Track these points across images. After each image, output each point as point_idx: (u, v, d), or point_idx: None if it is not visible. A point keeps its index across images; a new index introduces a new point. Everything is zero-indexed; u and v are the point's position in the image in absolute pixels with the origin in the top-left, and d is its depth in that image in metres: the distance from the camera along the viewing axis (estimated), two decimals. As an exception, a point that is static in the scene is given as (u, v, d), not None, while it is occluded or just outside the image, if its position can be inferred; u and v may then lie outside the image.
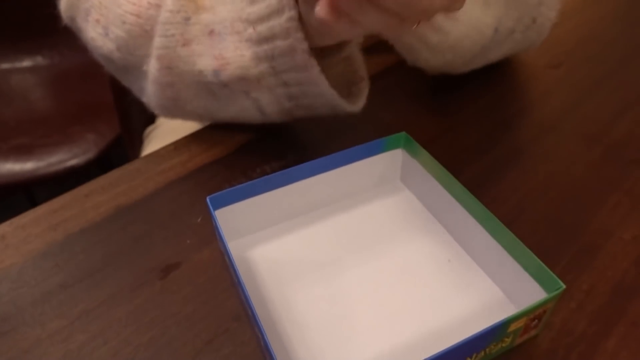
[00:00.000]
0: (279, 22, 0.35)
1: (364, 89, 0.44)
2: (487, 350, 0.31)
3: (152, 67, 0.43)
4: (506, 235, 0.34)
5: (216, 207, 0.36)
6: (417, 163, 0.41)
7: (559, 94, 0.56)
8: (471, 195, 0.36)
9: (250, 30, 0.37)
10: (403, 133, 0.41)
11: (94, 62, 0.51)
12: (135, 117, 0.96)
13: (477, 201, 0.36)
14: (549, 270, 0.31)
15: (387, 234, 0.40)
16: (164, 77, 0.43)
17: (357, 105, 0.44)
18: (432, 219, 0.41)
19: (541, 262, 0.31)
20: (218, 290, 0.37)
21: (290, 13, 0.35)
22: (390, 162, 0.42)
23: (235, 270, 0.32)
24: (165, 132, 0.84)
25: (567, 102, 0.55)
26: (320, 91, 0.40)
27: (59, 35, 0.79)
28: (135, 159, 0.48)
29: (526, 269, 0.33)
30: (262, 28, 0.36)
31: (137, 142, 0.91)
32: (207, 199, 0.36)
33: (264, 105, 0.43)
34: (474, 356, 0.30)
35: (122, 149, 1.06)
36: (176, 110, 0.47)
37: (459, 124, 0.52)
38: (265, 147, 0.49)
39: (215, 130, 0.51)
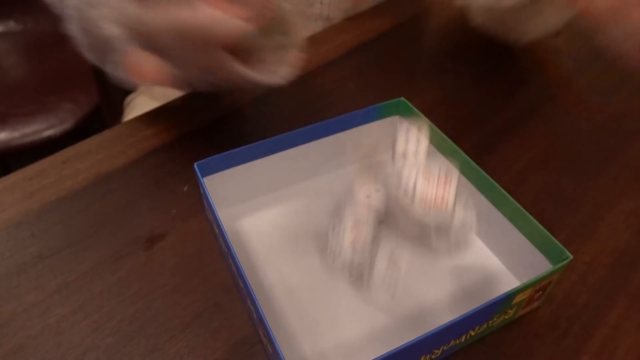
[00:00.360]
0: None
1: None
2: (490, 322, 0.30)
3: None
4: (510, 204, 0.32)
5: (204, 174, 0.34)
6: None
7: (557, 63, 0.54)
8: (473, 163, 0.34)
9: None
10: (401, 99, 0.39)
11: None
12: (114, 86, 0.92)
13: (479, 169, 0.34)
14: (555, 240, 0.29)
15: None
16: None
17: None
18: None
19: (547, 232, 0.30)
20: (206, 262, 0.35)
21: None
22: (386, 130, 0.40)
23: (225, 240, 0.30)
24: (147, 101, 0.80)
25: (566, 72, 0.53)
26: None
27: (32, -3, 0.74)
28: (115, 129, 0.45)
29: (530, 239, 0.31)
30: None
31: (117, 111, 0.87)
32: (195, 165, 0.33)
33: None
34: (477, 328, 0.29)
35: (100, 119, 1.02)
36: None
37: (457, 92, 0.50)
38: (255, 114, 0.47)
39: (202, 97, 0.49)
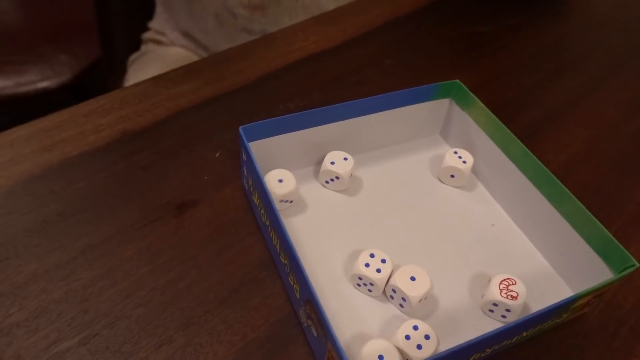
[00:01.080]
0: None
1: None
2: (543, 325, 0.28)
3: None
4: (571, 202, 0.31)
5: (249, 139, 0.32)
6: (466, 115, 0.37)
7: (598, 57, 0.53)
8: (532, 155, 0.33)
9: None
10: (456, 81, 0.37)
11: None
12: (118, 41, 0.88)
13: (537, 161, 0.32)
14: (620, 245, 0.28)
15: (424, 189, 0.37)
16: None
17: None
18: (473, 178, 0.38)
19: (612, 236, 0.28)
20: (242, 234, 0.33)
21: None
22: (435, 112, 0.39)
23: (273, 211, 0.28)
24: (152, 60, 0.77)
25: (605, 67, 0.52)
26: None
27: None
28: (117, 88, 0.41)
29: (589, 241, 0.30)
30: None
31: (119, 69, 0.83)
32: (240, 130, 0.31)
33: None
34: (530, 330, 0.28)
35: (99, 76, 0.97)
36: None
37: (496, 77, 0.48)
38: (286, 81, 0.44)
39: (230, 59, 0.46)
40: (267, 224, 0.30)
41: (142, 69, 0.76)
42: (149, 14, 0.78)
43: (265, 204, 0.29)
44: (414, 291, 0.28)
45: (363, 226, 0.34)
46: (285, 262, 0.28)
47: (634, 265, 0.27)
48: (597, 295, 0.29)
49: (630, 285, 0.33)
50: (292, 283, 0.28)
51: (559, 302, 0.26)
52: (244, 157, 0.32)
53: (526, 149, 0.33)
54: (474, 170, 0.38)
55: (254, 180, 0.31)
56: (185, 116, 0.40)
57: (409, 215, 0.35)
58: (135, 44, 0.82)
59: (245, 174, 0.33)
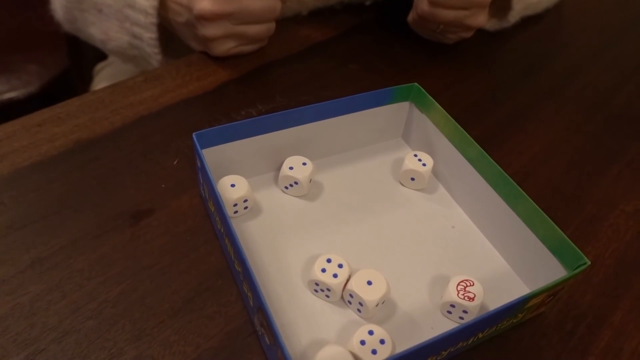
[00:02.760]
0: (148, 36, 0.46)
1: None
2: (499, 325, 0.28)
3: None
4: (526, 203, 0.31)
5: (203, 146, 0.31)
6: (426, 118, 0.37)
7: (559, 59, 0.54)
8: (488, 157, 0.33)
9: (127, 24, 0.47)
10: (415, 84, 0.37)
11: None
12: (86, 50, 0.86)
13: (494, 164, 0.33)
14: (573, 244, 0.28)
15: (385, 193, 0.37)
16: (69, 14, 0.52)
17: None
18: (434, 180, 0.38)
19: (565, 236, 0.29)
20: (198, 242, 0.32)
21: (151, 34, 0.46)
22: (395, 115, 0.39)
23: (224, 218, 0.27)
24: (118, 71, 0.76)
25: (566, 69, 0.53)
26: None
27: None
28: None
29: (544, 241, 0.30)
30: (135, 29, 0.46)
31: (88, 78, 0.82)
32: (194, 136, 0.30)
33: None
34: (486, 331, 0.28)
35: (68, 85, 0.95)
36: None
37: (459, 82, 0.49)
38: (249, 85, 0.44)
39: (192, 65, 0.45)
40: (222, 230, 0.30)
41: (107, 79, 0.75)
42: None
43: (218, 210, 0.29)
44: (371, 295, 0.28)
45: (322, 231, 0.33)
46: (239, 269, 0.28)
47: (585, 263, 0.28)
48: (552, 294, 0.29)
49: (587, 284, 0.33)
50: (246, 291, 0.28)
51: (511, 302, 0.26)
52: (199, 164, 0.31)
53: (483, 150, 0.33)
54: (434, 172, 0.38)
55: (208, 187, 0.30)
56: (144, 124, 0.39)
57: (369, 219, 0.35)
58: (103, 53, 0.81)
59: (201, 181, 0.32)
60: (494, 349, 0.29)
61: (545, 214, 0.30)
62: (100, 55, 0.81)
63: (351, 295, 0.29)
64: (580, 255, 0.28)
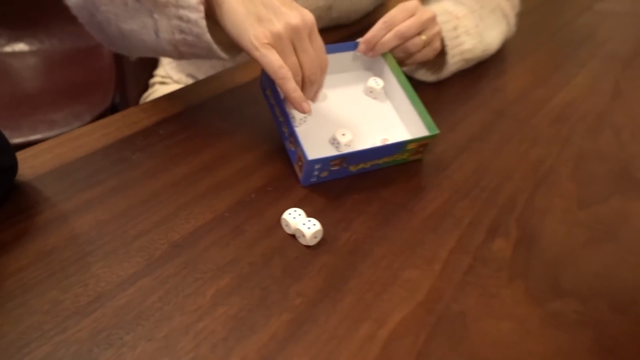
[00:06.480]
0: None
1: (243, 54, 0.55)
2: (395, 156, 0.57)
3: None
4: (412, 93, 0.60)
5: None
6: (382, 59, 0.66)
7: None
8: (399, 67, 0.62)
9: None
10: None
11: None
12: (131, 88, 1.16)
13: (401, 70, 0.62)
14: (431, 120, 0.58)
15: (357, 99, 0.64)
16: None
17: (234, 57, 0.58)
18: (383, 95, 0.66)
19: (428, 115, 0.58)
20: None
21: None
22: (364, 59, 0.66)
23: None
24: (160, 95, 1.02)
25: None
26: (199, 33, 0.52)
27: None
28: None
29: (420, 114, 0.59)
30: None
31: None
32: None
33: (160, 28, 0.54)
34: (384, 158, 0.56)
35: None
36: (91, 7, 0.57)
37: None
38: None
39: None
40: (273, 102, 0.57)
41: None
42: (155, 62, 1.07)
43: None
44: (345, 139, 0.57)
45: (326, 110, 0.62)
46: (281, 118, 0.56)
47: (436, 132, 0.56)
48: (422, 145, 0.58)
49: (444, 140, 0.62)
50: (283, 127, 0.56)
51: (400, 141, 0.55)
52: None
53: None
54: (384, 88, 0.66)
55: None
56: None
57: (350, 108, 0.63)
58: (144, 87, 1.10)
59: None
60: (392, 169, 0.58)
61: (421, 103, 0.59)
62: (142, 89, 1.10)
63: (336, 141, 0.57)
64: (434, 127, 0.57)
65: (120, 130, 0.61)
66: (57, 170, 0.54)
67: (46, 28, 1.39)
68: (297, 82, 0.51)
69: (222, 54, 0.55)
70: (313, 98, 0.56)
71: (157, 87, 1.04)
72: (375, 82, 0.64)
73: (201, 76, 0.94)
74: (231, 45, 0.54)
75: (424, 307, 0.42)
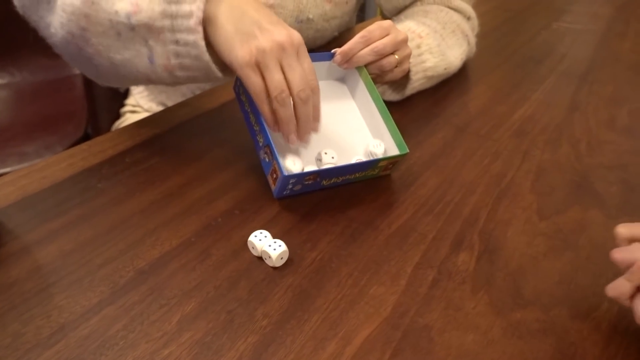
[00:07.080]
0: None
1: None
2: (365, 172, 0.58)
3: None
4: (385, 112, 0.61)
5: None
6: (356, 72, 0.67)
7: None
8: (373, 84, 0.63)
9: None
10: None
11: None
12: (102, 118, 1.17)
13: (375, 87, 0.63)
14: (402, 139, 0.59)
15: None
16: (84, 8, 0.52)
17: (230, 77, 0.57)
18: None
19: (399, 133, 0.60)
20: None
21: None
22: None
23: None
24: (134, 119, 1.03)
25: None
26: (198, 54, 0.52)
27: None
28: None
29: (391, 133, 0.61)
30: None
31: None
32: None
33: (155, 55, 0.53)
34: (356, 174, 0.58)
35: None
36: (80, 42, 0.55)
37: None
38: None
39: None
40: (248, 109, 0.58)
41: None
42: (126, 92, 1.07)
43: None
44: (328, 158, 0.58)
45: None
46: (256, 128, 0.56)
47: (406, 152, 0.58)
48: (392, 162, 0.59)
49: (410, 157, 0.64)
50: (257, 136, 0.57)
51: (372, 159, 0.56)
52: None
53: (372, 81, 0.63)
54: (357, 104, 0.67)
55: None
56: (172, 123, 0.70)
57: (325, 120, 0.63)
58: (116, 116, 1.11)
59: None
60: (363, 183, 0.59)
61: (394, 123, 0.60)
62: (113, 117, 1.11)
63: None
64: (405, 147, 0.59)
65: (86, 159, 0.61)
66: (21, 202, 0.53)
67: (16, 60, 1.39)
68: (282, 98, 0.51)
69: (220, 74, 0.55)
70: (303, 136, 0.55)
71: (127, 115, 1.05)
72: (376, 147, 0.62)
73: (171, 104, 0.94)
74: (225, 65, 0.54)
75: (390, 322, 0.42)
